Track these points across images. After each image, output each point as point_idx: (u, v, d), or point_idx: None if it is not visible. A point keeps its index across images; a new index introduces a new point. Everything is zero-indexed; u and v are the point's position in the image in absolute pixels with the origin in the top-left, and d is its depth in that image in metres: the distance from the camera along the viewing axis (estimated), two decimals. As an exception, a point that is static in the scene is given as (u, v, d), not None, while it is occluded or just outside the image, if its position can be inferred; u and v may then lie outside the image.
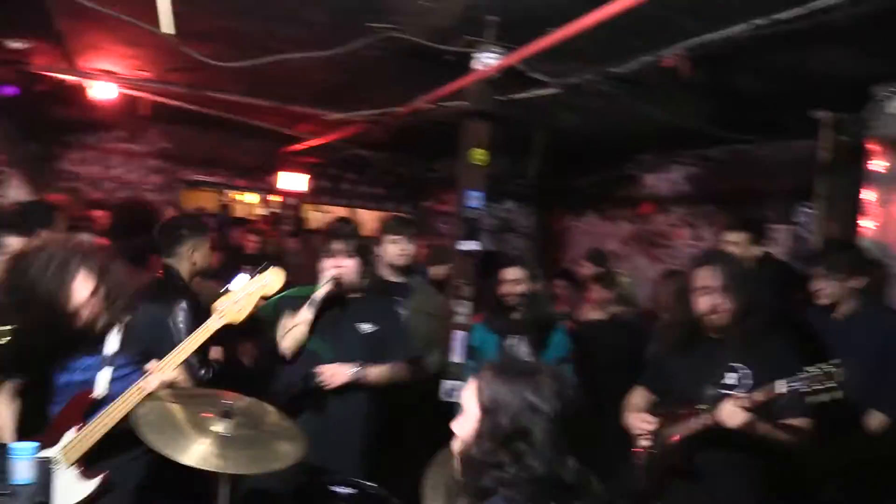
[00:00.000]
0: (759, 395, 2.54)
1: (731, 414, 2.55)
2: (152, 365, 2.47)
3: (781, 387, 2.48)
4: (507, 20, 4.01)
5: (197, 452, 2.32)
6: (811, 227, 5.68)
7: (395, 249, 4.13)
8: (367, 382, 3.27)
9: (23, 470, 1.90)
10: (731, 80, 4.63)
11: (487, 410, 1.66)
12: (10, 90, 6.26)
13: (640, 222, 8.32)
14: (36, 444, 1.97)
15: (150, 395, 2.46)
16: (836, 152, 5.04)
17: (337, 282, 3.26)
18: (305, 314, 3.18)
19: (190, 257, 3.63)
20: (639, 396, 3.16)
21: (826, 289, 3.57)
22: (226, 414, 2.45)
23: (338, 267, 3.29)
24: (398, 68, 5.08)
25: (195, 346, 2.52)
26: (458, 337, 4.63)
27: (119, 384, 2.51)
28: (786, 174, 6.37)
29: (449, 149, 5.14)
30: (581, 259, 6.17)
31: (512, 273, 4.08)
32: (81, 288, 2.44)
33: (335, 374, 3.17)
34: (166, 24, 3.97)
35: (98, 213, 6.66)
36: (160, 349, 2.58)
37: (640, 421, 2.96)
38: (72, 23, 4.62)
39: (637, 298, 5.51)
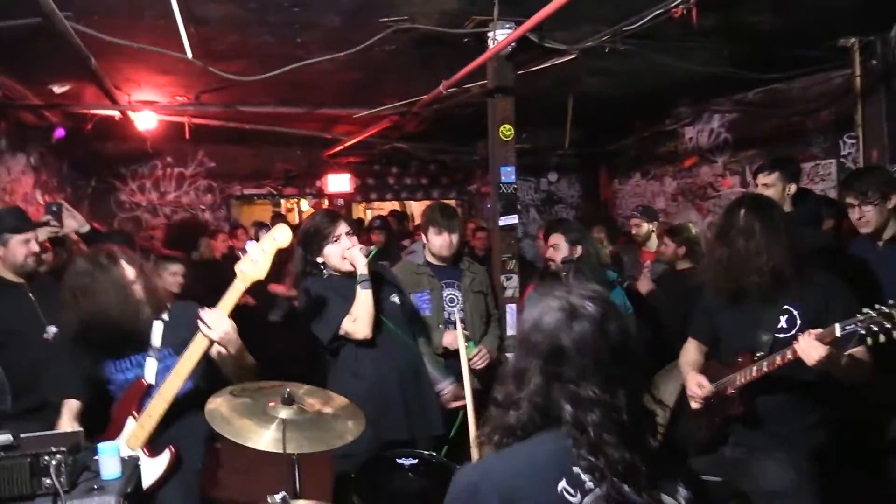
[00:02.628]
0: (823, 335, 2.45)
1: (810, 348, 2.44)
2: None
3: (837, 330, 2.41)
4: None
5: (266, 437, 2.51)
6: (856, 158, 5.58)
7: (439, 241, 4.19)
8: None
9: (110, 466, 2.10)
10: (744, 19, 4.60)
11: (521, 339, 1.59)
12: (60, 132, 6.64)
13: (685, 176, 8.26)
14: (118, 442, 2.18)
15: (218, 393, 2.68)
16: (867, 77, 4.94)
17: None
18: (367, 294, 3.22)
19: None
20: (692, 349, 3.17)
21: (866, 215, 3.51)
22: (287, 401, 2.62)
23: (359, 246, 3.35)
24: (418, 57, 5.21)
25: (229, 308, 2.70)
26: (510, 310, 4.75)
27: (165, 374, 2.78)
28: (825, 107, 6.25)
29: (484, 130, 5.20)
30: (632, 218, 6.13)
31: (552, 239, 4.15)
32: (128, 271, 2.82)
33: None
34: (188, 48, 4.17)
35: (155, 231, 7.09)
36: None
37: (695, 385, 2.93)
38: (107, 61, 4.89)
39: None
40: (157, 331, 2.91)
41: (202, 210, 9.62)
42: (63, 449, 2.01)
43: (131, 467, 2.24)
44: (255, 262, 2.73)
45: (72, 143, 7.20)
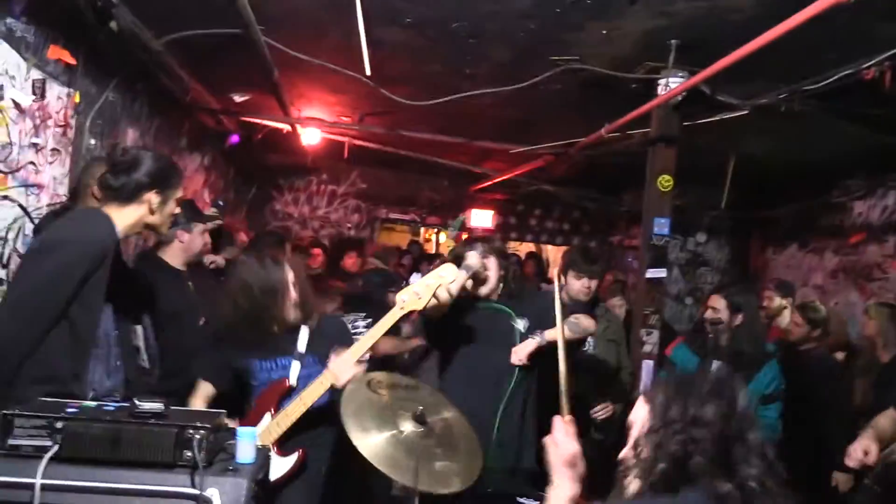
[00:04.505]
0: None
1: None
2: (335, 355, 2.78)
3: None
4: (688, 42, 3.97)
5: (375, 446, 2.47)
6: None
7: (578, 286, 4.12)
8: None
9: (246, 450, 2.15)
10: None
11: (654, 428, 1.64)
12: (234, 139, 7.10)
13: (849, 253, 7.69)
14: (256, 428, 2.23)
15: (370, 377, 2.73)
16: None
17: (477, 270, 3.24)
18: (461, 274, 3.05)
19: None
20: (887, 419, 2.89)
21: None
22: (419, 418, 2.59)
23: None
24: (581, 99, 5.18)
25: (380, 334, 2.80)
26: (646, 367, 4.57)
27: (306, 380, 2.91)
28: None
29: (634, 182, 5.09)
30: (767, 290, 5.80)
31: (713, 300, 3.99)
32: (288, 276, 2.95)
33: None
34: (368, 68, 4.34)
35: (315, 252, 7.25)
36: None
37: (861, 448, 2.71)
38: (285, 75, 5.19)
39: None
40: (303, 337, 3.04)
41: (348, 228, 9.97)
42: (207, 425, 2.07)
43: (263, 456, 2.29)
44: (416, 294, 2.79)
45: (240, 151, 7.68)
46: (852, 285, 7.51)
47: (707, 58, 3.81)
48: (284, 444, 2.89)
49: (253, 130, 7.29)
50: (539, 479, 3.18)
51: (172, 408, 2.20)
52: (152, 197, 2.51)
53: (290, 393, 2.95)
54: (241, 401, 3.04)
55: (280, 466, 2.86)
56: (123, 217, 2.49)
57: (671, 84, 4.24)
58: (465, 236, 10.84)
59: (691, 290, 9.54)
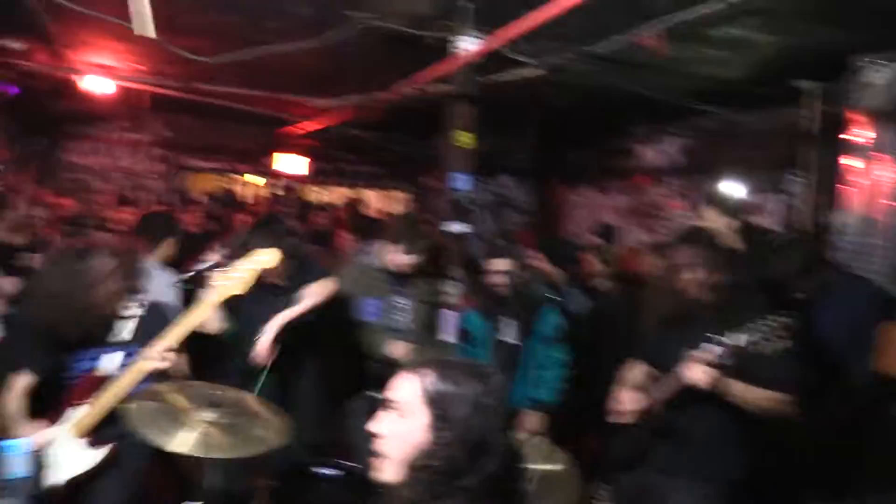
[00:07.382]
0: (719, 350, 2.54)
1: (695, 371, 2.54)
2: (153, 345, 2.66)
3: (740, 339, 2.49)
4: (483, 4, 4.05)
5: (182, 439, 2.45)
6: (800, 197, 5.72)
7: (400, 260, 4.09)
8: None
9: (16, 465, 2.03)
10: (708, 55, 4.67)
11: (439, 416, 1.55)
12: (12, 89, 6.40)
13: (635, 194, 8.35)
14: (28, 440, 2.10)
15: (146, 390, 2.62)
16: (821, 122, 5.07)
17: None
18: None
19: None
20: (636, 370, 3.14)
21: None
22: (213, 403, 2.57)
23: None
24: (382, 54, 5.15)
25: (196, 320, 2.69)
26: (449, 317, 4.72)
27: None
28: (775, 143, 6.37)
29: (443, 127, 5.17)
30: (588, 233, 6.18)
31: (499, 264, 4.05)
32: (100, 267, 2.72)
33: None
34: (139, 25, 4.03)
35: (126, 213, 6.71)
36: None
37: (629, 400, 2.95)
38: (60, 24, 4.71)
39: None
40: (130, 325, 2.89)
41: (154, 178, 9.41)
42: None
43: (38, 465, 2.16)
44: (231, 279, 2.69)
45: (24, 102, 6.94)
46: (638, 223, 8.18)
47: (501, 17, 3.91)
48: (98, 436, 2.73)
49: (37, 80, 6.58)
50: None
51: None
52: None
53: (105, 382, 2.75)
54: (57, 394, 2.82)
55: (87, 460, 2.73)
56: None
57: (463, 43, 4.30)
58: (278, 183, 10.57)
59: (502, 232, 9.96)
